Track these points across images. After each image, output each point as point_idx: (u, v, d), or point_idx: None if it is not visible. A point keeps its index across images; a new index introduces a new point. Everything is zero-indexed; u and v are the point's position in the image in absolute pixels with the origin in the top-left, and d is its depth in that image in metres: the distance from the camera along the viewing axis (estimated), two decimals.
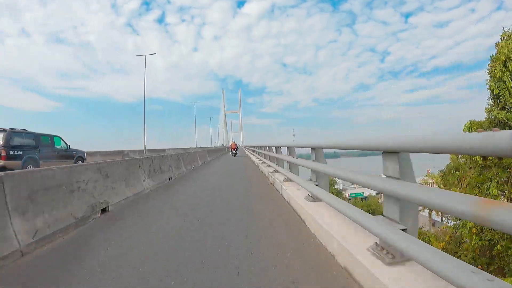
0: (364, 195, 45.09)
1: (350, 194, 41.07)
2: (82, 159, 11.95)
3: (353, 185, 41.92)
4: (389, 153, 1.85)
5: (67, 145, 11.01)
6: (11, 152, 8.12)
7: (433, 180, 51.62)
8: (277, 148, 7.76)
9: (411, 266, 1.71)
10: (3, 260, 2.25)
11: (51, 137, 10.28)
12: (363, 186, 2.14)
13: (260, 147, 13.15)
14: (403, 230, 1.73)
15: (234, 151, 23.69)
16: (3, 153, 7.87)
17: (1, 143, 7.97)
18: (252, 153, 20.11)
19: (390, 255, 1.79)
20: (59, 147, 10.56)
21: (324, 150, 3.51)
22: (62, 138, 10.88)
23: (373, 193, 46.92)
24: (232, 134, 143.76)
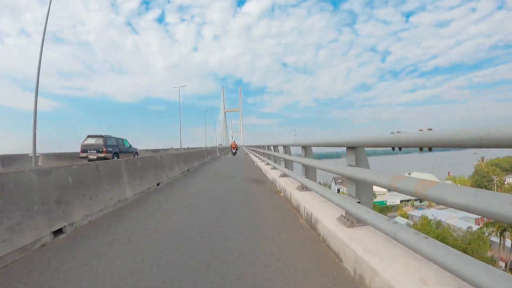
0: (388, 203, 44.83)
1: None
2: (137, 153, 16.48)
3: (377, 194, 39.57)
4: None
5: (129, 145, 16.08)
6: (108, 149, 13.16)
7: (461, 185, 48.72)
8: (275, 147, 8.47)
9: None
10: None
11: (122, 139, 15.26)
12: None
13: (261, 146, 13.85)
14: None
15: (234, 151, 25.12)
16: (104, 150, 12.93)
17: (102, 143, 13.03)
18: (254, 153, 20.15)
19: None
20: (126, 146, 15.54)
21: (327, 150, 4.21)
22: (127, 140, 15.91)
23: (397, 201, 45.03)
24: (233, 134, 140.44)
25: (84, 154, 12.86)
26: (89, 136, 13.28)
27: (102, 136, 13.26)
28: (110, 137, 13.96)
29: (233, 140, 29.45)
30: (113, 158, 12.90)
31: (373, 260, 1.81)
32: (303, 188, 4.28)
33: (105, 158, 12.04)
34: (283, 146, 6.17)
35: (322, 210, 3.09)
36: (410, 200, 45.31)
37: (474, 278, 1.13)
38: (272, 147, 8.62)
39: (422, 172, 53.53)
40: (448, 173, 60.81)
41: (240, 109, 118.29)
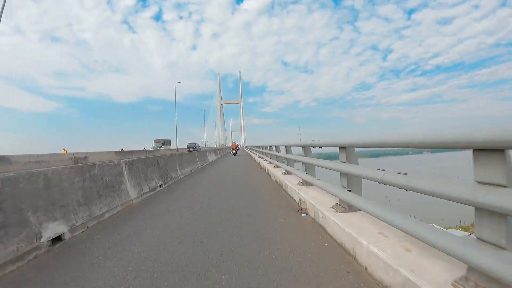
0: None
1: None
2: (200, 149, 38.50)
3: None
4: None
5: (199, 144, 45.46)
6: (196, 147, 41.61)
7: None
8: (287, 147, 7.23)
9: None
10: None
11: (197, 143, 44.86)
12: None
13: (265, 146, 12.32)
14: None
15: (234, 151, 28.52)
16: (195, 147, 41.16)
17: (194, 145, 42.74)
18: (261, 155, 17.97)
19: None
20: (197, 144, 44.31)
21: (332, 151, 3.19)
22: (197, 143, 45.25)
23: None
24: (232, 133, 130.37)
25: (187, 149, 36.02)
26: (189, 143, 41.93)
27: (194, 142, 42.86)
28: (195, 142, 43.24)
29: (233, 141, 32.63)
30: (196, 151, 24.28)
31: None
32: (343, 205, 3.04)
33: (195, 150, 25.56)
34: (302, 147, 4.96)
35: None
36: None
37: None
38: (283, 148, 7.15)
39: None
40: None
41: (241, 101, 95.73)
